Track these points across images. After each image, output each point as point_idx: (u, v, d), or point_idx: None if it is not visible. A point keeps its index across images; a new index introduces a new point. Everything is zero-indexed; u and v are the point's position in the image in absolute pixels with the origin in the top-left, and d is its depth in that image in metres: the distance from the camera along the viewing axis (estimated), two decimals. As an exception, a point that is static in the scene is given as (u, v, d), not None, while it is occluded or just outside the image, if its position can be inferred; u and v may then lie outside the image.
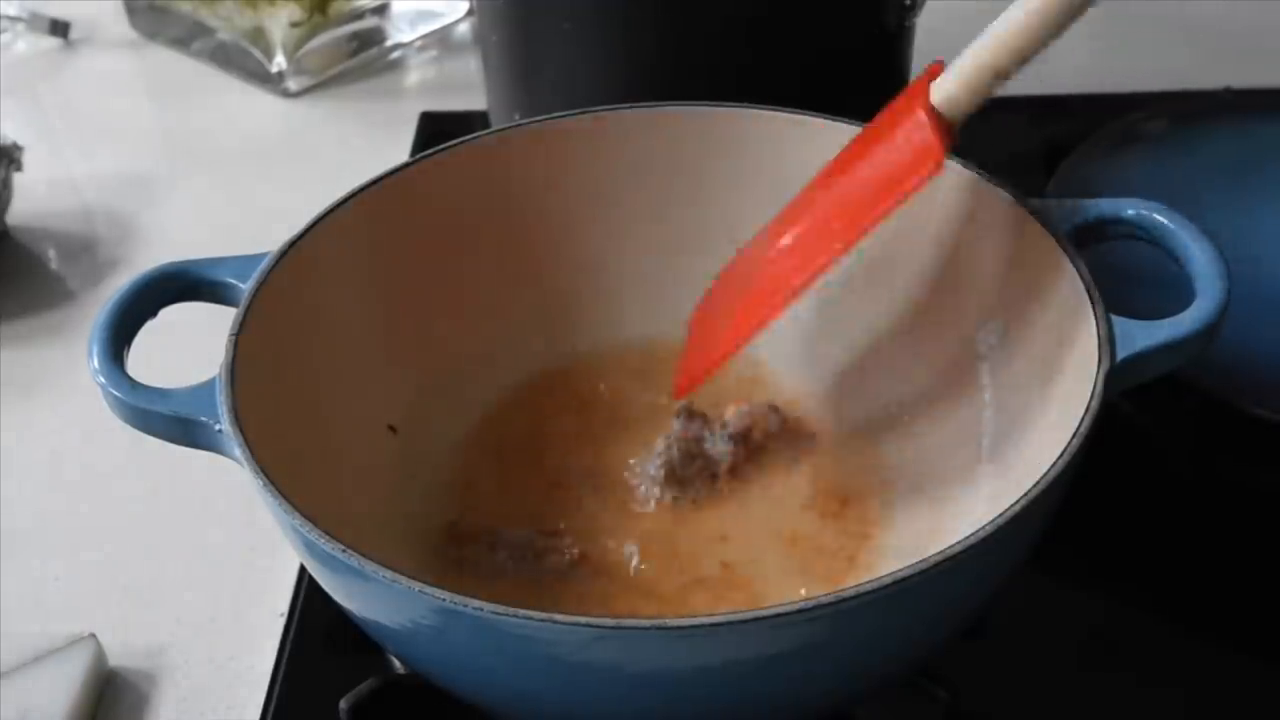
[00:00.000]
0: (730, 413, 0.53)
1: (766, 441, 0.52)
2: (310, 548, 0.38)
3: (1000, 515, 0.37)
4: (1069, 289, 0.44)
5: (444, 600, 0.35)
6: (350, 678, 0.46)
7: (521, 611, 0.35)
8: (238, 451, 0.40)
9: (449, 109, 0.82)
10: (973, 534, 0.36)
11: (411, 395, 0.52)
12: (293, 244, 0.47)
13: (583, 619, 0.35)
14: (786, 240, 0.47)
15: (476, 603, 0.35)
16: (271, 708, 0.48)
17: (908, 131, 0.44)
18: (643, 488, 0.51)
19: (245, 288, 0.46)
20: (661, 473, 0.50)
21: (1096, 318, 0.42)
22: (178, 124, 0.86)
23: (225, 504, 0.57)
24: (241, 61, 0.88)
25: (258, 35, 0.85)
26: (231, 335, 0.44)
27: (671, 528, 0.50)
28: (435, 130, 0.79)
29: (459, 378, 0.54)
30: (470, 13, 0.92)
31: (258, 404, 0.42)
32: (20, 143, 0.73)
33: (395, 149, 0.78)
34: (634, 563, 0.48)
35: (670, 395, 0.53)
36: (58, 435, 0.62)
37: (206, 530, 0.56)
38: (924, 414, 0.52)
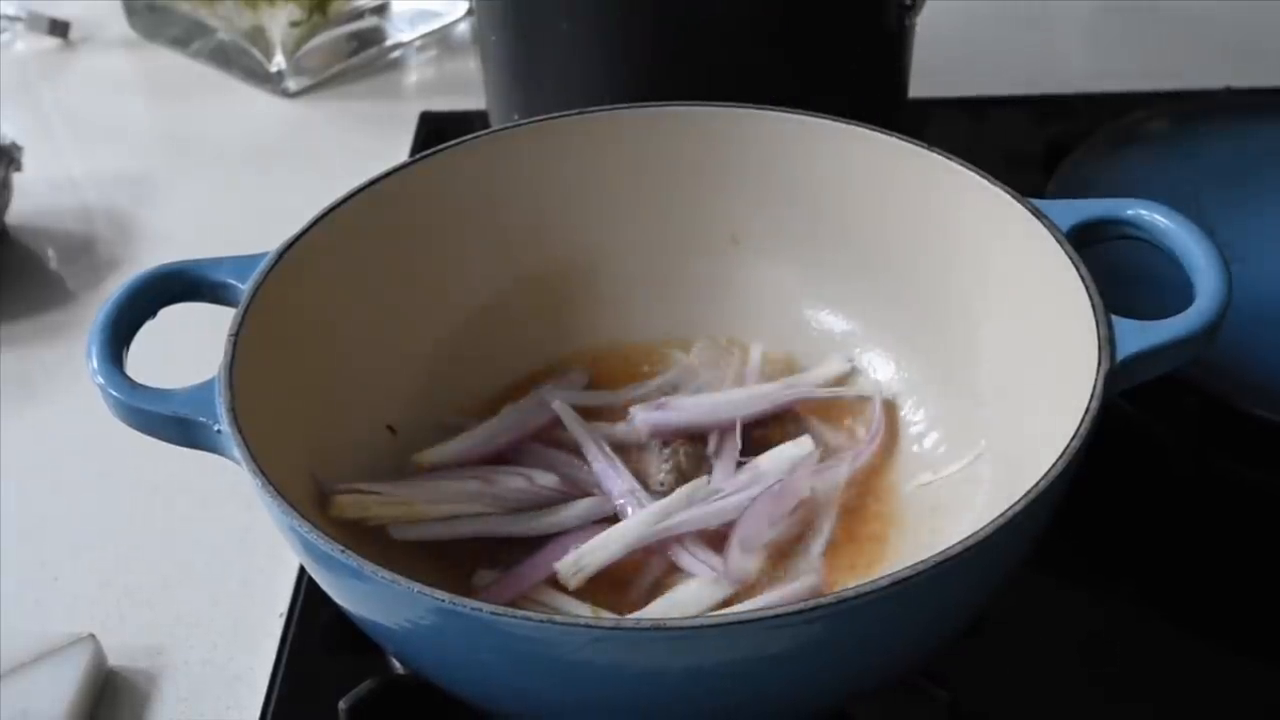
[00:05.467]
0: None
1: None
2: (309, 548, 0.38)
3: (1000, 516, 0.37)
4: (1069, 289, 0.44)
5: (442, 601, 0.35)
6: (349, 678, 0.46)
7: (520, 612, 0.35)
8: (237, 452, 0.40)
9: (449, 109, 0.83)
10: (972, 535, 0.36)
11: (411, 396, 0.52)
12: (292, 244, 0.47)
13: (582, 620, 0.35)
14: None
15: (475, 603, 0.35)
16: (271, 708, 0.48)
17: None
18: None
19: (244, 288, 0.46)
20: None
21: (1096, 318, 0.42)
22: (177, 124, 0.86)
23: (225, 504, 0.57)
24: (241, 61, 0.88)
25: (257, 35, 0.85)
26: (230, 336, 0.44)
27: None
28: (435, 130, 0.79)
29: (458, 378, 0.54)
30: (470, 13, 0.92)
31: (257, 404, 0.42)
32: (20, 143, 0.73)
33: (395, 149, 0.78)
34: (633, 562, 0.48)
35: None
36: (58, 435, 0.62)
37: (206, 530, 0.56)
38: (924, 413, 0.52)
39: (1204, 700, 0.48)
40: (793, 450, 0.50)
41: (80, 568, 0.55)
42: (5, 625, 0.52)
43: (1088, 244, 0.46)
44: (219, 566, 0.55)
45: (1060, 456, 0.38)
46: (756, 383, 0.54)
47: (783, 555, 0.48)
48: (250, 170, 0.80)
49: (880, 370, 0.54)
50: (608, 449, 0.51)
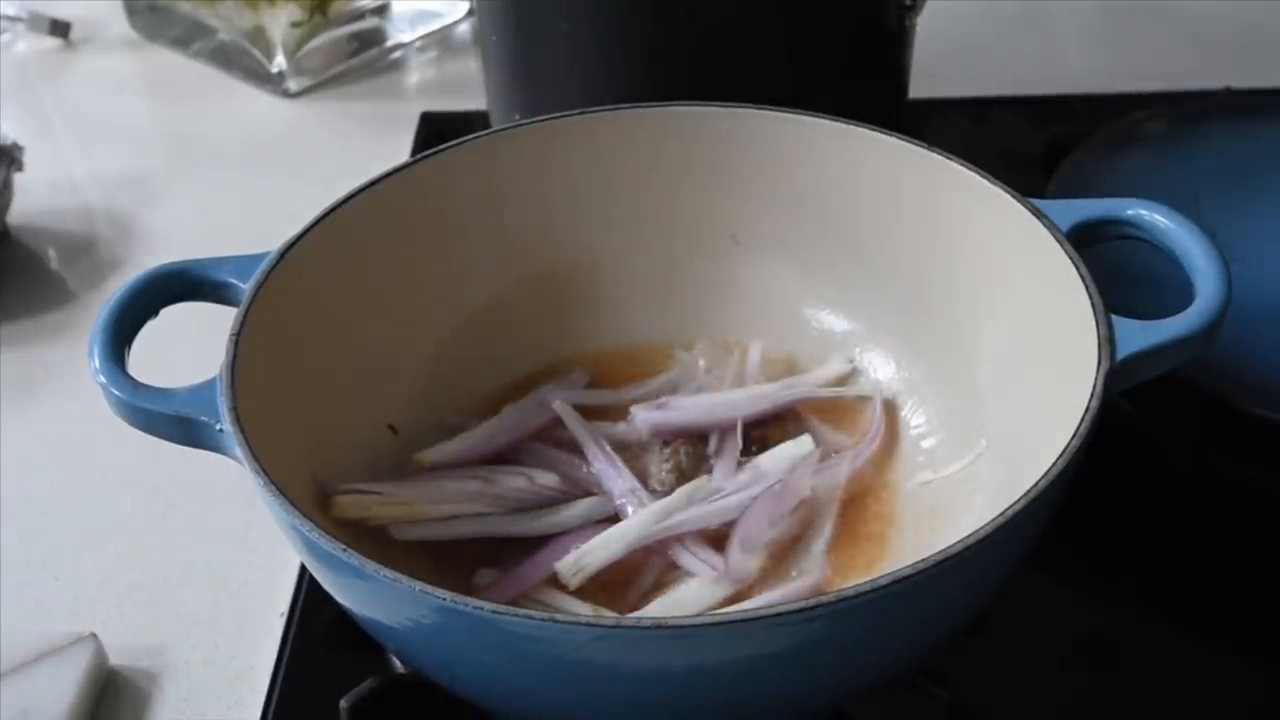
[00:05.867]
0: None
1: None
2: (311, 547, 0.38)
3: (1000, 515, 0.37)
4: (1069, 289, 0.44)
5: (444, 600, 0.35)
6: (350, 677, 0.46)
7: (521, 611, 0.35)
8: (238, 451, 0.40)
9: (449, 109, 0.83)
10: (972, 534, 0.36)
11: (411, 395, 0.52)
12: (293, 244, 0.47)
13: (582, 619, 0.35)
14: None
15: (476, 602, 0.35)
16: (272, 707, 0.48)
17: None
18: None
19: (246, 287, 0.46)
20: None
21: (1096, 318, 0.42)
22: (178, 124, 0.86)
23: (226, 503, 0.57)
24: (241, 61, 0.88)
25: (258, 35, 0.86)
26: (232, 335, 0.44)
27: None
28: (435, 130, 0.79)
29: (459, 377, 0.54)
30: (470, 13, 0.92)
31: (258, 404, 0.42)
32: (20, 143, 0.73)
33: (395, 149, 0.78)
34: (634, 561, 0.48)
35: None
36: (58, 435, 0.62)
37: (207, 529, 0.56)
38: (924, 413, 0.52)
39: (1204, 700, 0.48)
40: (793, 450, 0.50)
41: (81, 567, 0.55)
42: (5, 625, 0.52)
43: (1088, 244, 0.46)
44: (220, 566, 0.55)
45: (1060, 456, 0.38)
46: (757, 383, 0.54)
47: (783, 554, 0.48)
48: (251, 170, 0.80)
49: (880, 370, 0.54)
50: (608, 448, 0.51)
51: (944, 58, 0.79)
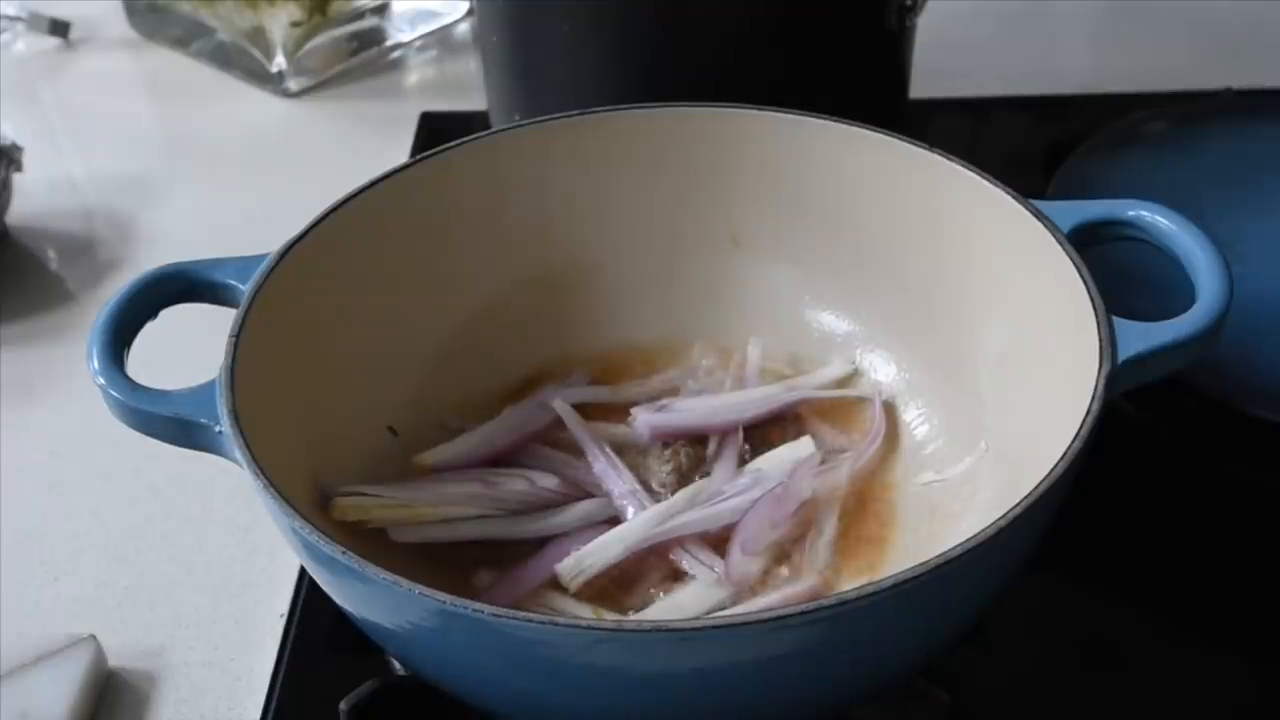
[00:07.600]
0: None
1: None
2: (310, 549, 0.38)
3: (1001, 518, 0.36)
4: (1070, 290, 0.44)
5: (444, 602, 0.35)
6: (350, 679, 0.46)
7: (521, 614, 0.35)
8: (237, 453, 0.40)
9: (449, 109, 0.83)
10: (974, 536, 0.36)
11: (411, 396, 0.52)
12: (292, 245, 0.47)
13: (583, 622, 0.35)
14: None
15: (476, 605, 0.35)
16: (271, 709, 0.48)
17: None
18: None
19: (245, 289, 0.46)
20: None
21: (1098, 320, 0.42)
22: (178, 124, 0.86)
23: (225, 504, 0.57)
24: (241, 61, 0.88)
25: (258, 35, 0.85)
26: (231, 337, 0.44)
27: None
28: (435, 130, 0.79)
29: (459, 379, 0.54)
30: (470, 13, 0.92)
31: (258, 405, 0.42)
32: (20, 143, 0.73)
33: (395, 149, 0.78)
34: (635, 564, 0.48)
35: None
36: (58, 435, 0.62)
37: (206, 530, 0.56)
38: (925, 414, 0.52)
39: (1204, 701, 0.48)
40: (794, 452, 0.50)
41: (80, 568, 0.55)
42: (5, 626, 0.52)
43: (1089, 245, 0.46)
44: (220, 567, 0.55)
45: (1061, 458, 0.38)
46: (757, 384, 0.54)
47: (784, 557, 0.48)
48: (250, 170, 0.80)
49: (881, 371, 0.54)
50: (609, 450, 0.51)
51: (944, 58, 0.78)
